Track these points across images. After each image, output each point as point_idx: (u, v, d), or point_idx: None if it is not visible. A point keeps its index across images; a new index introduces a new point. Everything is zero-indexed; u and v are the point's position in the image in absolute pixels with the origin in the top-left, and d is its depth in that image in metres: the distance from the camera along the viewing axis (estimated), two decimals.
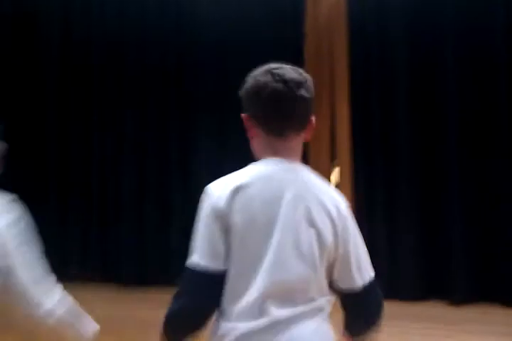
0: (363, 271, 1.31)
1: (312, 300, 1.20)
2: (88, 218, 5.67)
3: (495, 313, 4.36)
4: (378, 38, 5.06)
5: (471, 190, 4.75)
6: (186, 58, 5.55)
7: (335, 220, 1.25)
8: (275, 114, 1.25)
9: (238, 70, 5.24)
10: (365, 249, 1.36)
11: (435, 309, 4.55)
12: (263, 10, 5.29)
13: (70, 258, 5.66)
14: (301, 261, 1.17)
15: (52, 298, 1.34)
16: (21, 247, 1.29)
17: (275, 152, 1.26)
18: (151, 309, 4.49)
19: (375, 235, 4.96)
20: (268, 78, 1.24)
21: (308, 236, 1.19)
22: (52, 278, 1.35)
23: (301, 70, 1.35)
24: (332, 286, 1.26)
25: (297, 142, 1.31)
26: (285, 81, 1.24)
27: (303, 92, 1.27)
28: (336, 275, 1.25)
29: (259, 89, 1.24)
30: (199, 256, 1.16)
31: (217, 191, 1.20)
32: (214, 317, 1.20)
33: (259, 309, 1.13)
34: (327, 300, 1.23)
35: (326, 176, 5.04)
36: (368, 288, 1.31)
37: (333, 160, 5.16)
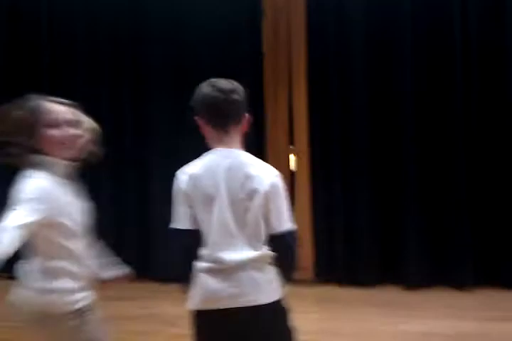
0: (281, 222, 1.70)
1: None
2: None
3: (450, 297, 4.47)
4: (336, 22, 5.03)
5: (426, 177, 4.82)
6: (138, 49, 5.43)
7: (264, 183, 1.68)
8: (217, 114, 1.72)
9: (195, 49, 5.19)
10: (287, 207, 1.74)
11: (391, 294, 4.62)
12: None
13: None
14: (242, 220, 1.67)
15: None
16: None
17: (220, 142, 1.74)
18: (122, 304, 4.44)
19: (332, 222, 5.00)
20: (209, 89, 1.71)
21: (242, 197, 1.67)
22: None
23: (233, 81, 1.77)
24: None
25: (236, 133, 1.76)
26: (221, 90, 1.70)
27: (235, 97, 1.72)
28: (267, 224, 1.70)
29: (203, 98, 1.72)
30: (176, 222, 1.73)
31: (181, 177, 1.73)
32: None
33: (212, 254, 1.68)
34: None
35: (284, 162, 5.05)
36: (284, 234, 1.71)
37: (290, 146, 5.18)
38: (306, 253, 5.01)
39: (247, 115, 1.80)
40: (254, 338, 1.69)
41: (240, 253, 1.65)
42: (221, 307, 1.64)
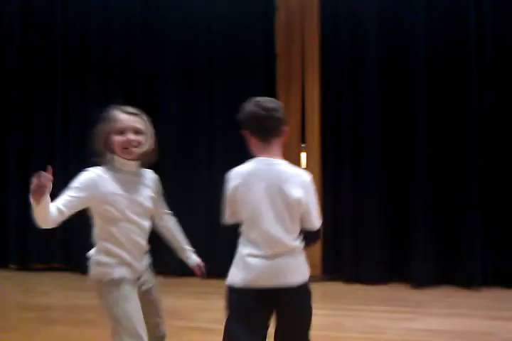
0: (314, 220, 2.05)
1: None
2: None
3: (457, 295, 4.48)
4: (349, 22, 5.06)
5: (436, 177, 4.83)
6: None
7: (300, 187, 1.99)
8: (261, 129, 2.04)
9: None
10: (317, 206, 2.08)
11: (398, 292, 4.65)
12: None
13: (33, 247, 5.56)
14: (281, 218, 1.98)
15: None
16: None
17: (263, 152, 2.05)
18: None
19: (340, 220, 5.02)
20: (255, 108, 2.04)
21: (283, 201, 1.97)
22: None
23: (275, 101, 2.09)
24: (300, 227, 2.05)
25: (276, 144, 2.07)
26: (265, 108, 2.03)
27: (277, 114, 2.05)
28: (302, 221, 2.03)
29: (250, 115, 2.05)
30: (224, 216, 2.07)
31: (233, 176, 2.04)
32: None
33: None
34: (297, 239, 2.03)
35: (295, 160, 5.08)
36: (316, 231, 2.08)
37: (302, 144, 5.22)
38: (313, 251, 5.04)
39: (285, 129, 2.09)
40: (285, 313, 2.00)
41: (279, 243, 1.96)
42: (261, 287, 1.93)
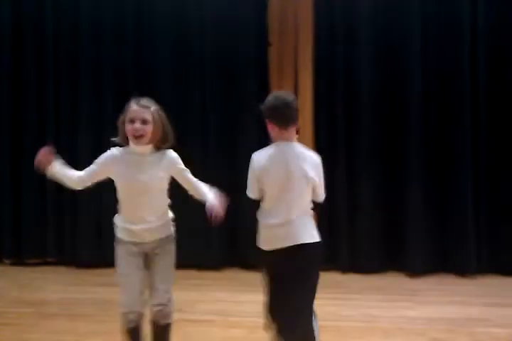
0: (322, 192, 2.57)
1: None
2: (43, 203, 5.55)
3: (452, 283, 4.51)
4: (343, 12, 5.01)
5: (429, 164, 4.84)
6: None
7: (312, 166, 2.47)
8: (281, 117, 2.45)
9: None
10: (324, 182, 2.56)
11: (394, 281, 4.66)
12: None
13: (27, 242, 5.54)
14: (296, 192, 2.41)
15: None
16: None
17: (281, 137, 2.48)
18: (107, 291, 4.49)
19: (335, 209, 5.02)
20: (276, 101, 2.46)
21: (299, 177, 2.41)
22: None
23: (291, 94, 2.60)
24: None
25: (292, 131, 2.50)
26: (285, 101, 2.45)
27: (293, 106, 2.47)
28: (313, 194, 2.50)
29: (272, 107, 2.46)
30: (249, 192, 2.51)
31: (256, 158, 2.48)
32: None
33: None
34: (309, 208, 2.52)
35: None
36: (322, 200, 2.59)
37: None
38: None
39: (298, 117, 2.52)
40: (298, 265, 2.41)
41: (295, 210, 2.43)
42: (279, 247, 2.41)
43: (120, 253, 2.57)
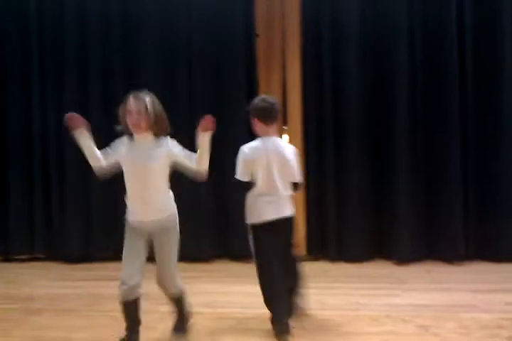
0: (298, 175, 3.18)
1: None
2: (31, 199, 5.50)
3: (439, 270, 4.55)
4: (331, 2, 5.01)
5: (417, 154, 4.86)
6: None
7: (290, 154, 3.14)
8: (267, 117, 3.10)
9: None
10: (299, 167, 3.21)
11: (382, 269, 4.70)
12: None
13: (14, 238, 5.49)
14: (279, 175, 3.08)
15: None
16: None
17: (266, 132, 3.12)
18: (94, 286, 4.48)
19: (324, 199, 5.04)
20: (264, 103, 3.10)
21: (281, 163, 3.08)
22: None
23: (274, 98, 3.21)
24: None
25: (275, 128, 3.17)
26: (271, 104, 3.10)
27: (277, 107, 3.14)
28: (290, 176, 3.15)
29: (261, 108, 3.09)
30: (239, 175, 3.09)
31: (246, 150, 3.09)
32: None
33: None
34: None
35: None
36: (298, 182, 3.22)
37: (283, 127, 5.20)
38: (298, 231, 5.06)
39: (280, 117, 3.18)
40: (284, 233, 3.14)
41: (279, 191, 3.10)
42: (272, 219, 3.08)
43: (126, 232, 2.88)
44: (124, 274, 2.76)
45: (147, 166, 2.78)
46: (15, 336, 3.19)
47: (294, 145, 5.10)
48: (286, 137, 5.19)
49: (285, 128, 5.19)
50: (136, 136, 2.82)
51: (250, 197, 3.13)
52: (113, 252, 5.30)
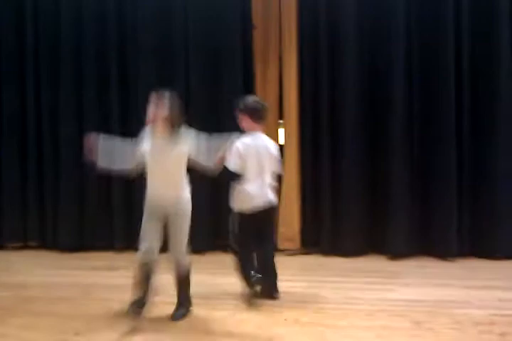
0: (280, 167, 3.76)
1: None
2: (24, 187, 5.48)
3: (433, 266, 4.56)
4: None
5: (412, 150, 4.87)
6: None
7: (274, 150, 3.63)
8: (258, 115, 3.54)
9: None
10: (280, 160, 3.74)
11: (376, 263, 4.71)
12: None
13: (8, 225, 5.47)
14: (266, 167, 3.56)
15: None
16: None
17: (254, 129, 3.54)
18: (88, 274, 4.47)
19: (318, 194, 5.04)
20: (256, 103, 3.57)
21: (270, 157, 3.58)
22: None
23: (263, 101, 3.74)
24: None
25: (262, 125, 3.62)
26: (261, 104, 3.59)
27: (267, 109, 3.64)
28: (274, 169, 3.65)
29: (250, 106, 3.53)
30: (232, 165, 3.42)
31: (239, 144, 3.43)
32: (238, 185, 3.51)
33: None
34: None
35: (273, 136, 5.02)
36: (280, 174, 4.04)
37: (279, 120, 5.19)
38: (292, 224, 5.07)
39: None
40: (268, 220, 3.66)
41: (266, 181, 3.56)
42: (260, 208, 3.51)
43: (145, 213, 3.23)
44: (141, 247, 3.17)
45: (166, 157, 3.12)
46: (9, 323, 3.19)
47: (290, 139, 5.32)
48: (282, 131, 5.18)
49: (281, 122, 5.18)
50: (155, 128, 3.16)
51: (240, 187, 3.48)
52: (107, 241, 5.30)
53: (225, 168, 3.36)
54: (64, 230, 5.32)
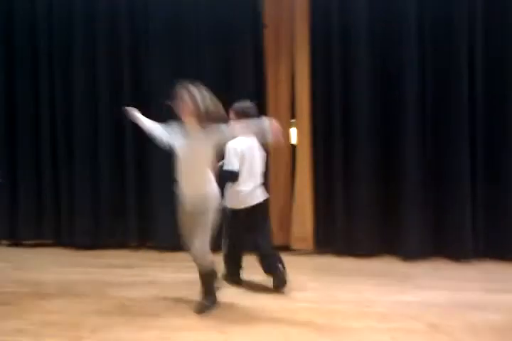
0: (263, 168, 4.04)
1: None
2: (40, 185, 5.53)
3: (448, 268, 4.53)
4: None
5: (426, 150, 4.83)
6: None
7: (262, 152, 3.90)
8: (251, 116, 3.64)
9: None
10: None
11: (389, 264, 4.69)
12: None
13: (24, 223, 5.53)
14: (258, 167, 3.86)
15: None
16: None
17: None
18: (103, 272, 4.49)
19: (331, 194, 5.02)
20: (248, 105, 3.82)
21: (260, 158, 3.87)
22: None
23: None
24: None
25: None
26: (254, 110, 3.81)
27: (257, 111, 3.84)
28: (263, 168, 3.95)
29: (246, 108, 3.79)
30: (232, 166, 3.68)
31: (237, 146, 3.68)
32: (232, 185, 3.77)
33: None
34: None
35: (285, 135, 5.02)
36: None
37: (291, 120, 5.18)
38: (305, 225, 5.06)
39: None
40: (262, 214, 3.87)
41: (258, 180, 3.82)
42: (253, 204, 3.76)
43: (178, 208, 3.40)
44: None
45: (191, 150, 3.19)
46: (26, 320, 3.23)
47: (302, 138, 5.31)
48: (294, 130, 5.17)
49: (293, 121, 5.18)
50: (184, 122, 3.21)
51: (234, 186, 3.72)
52: (122, 239, 5.34)
53: (226, 170, 3.65)
54: (79, 228, 5.37)
